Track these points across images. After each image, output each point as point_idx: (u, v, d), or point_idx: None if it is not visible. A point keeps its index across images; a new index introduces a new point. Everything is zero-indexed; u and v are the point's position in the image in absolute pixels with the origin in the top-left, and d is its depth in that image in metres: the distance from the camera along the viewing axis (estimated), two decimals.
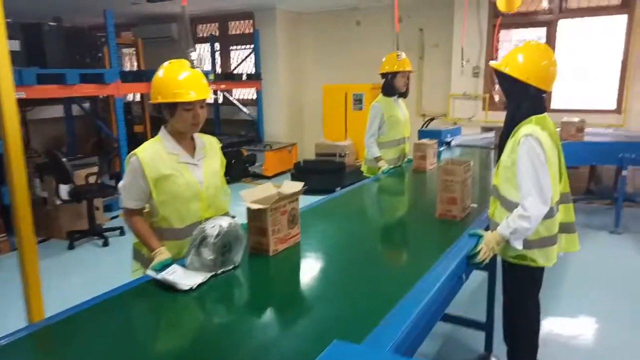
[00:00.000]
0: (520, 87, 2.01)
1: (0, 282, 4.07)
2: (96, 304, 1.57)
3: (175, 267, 1.74)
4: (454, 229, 2.20)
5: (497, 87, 2.10)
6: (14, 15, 5.36)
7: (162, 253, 1.89)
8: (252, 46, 8.25)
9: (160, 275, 1.67)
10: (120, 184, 1.97)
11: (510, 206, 2.02)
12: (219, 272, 1.74)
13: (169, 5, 7.38)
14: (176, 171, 1.92)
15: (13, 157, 2.04)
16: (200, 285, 1.66)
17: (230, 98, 8.70)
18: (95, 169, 5.22)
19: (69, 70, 5.09)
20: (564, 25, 6.30)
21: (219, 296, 1.67)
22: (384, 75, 3.75)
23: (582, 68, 6.25)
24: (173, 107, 1.86)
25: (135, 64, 8.92)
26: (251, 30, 8.34)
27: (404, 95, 3.82)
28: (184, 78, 1.86)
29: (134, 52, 8.79)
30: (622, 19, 5.93)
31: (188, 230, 1.90)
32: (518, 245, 1.97)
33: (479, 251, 1.96)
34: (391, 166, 3.64)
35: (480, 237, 2.02)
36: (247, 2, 7.52)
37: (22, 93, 4.72)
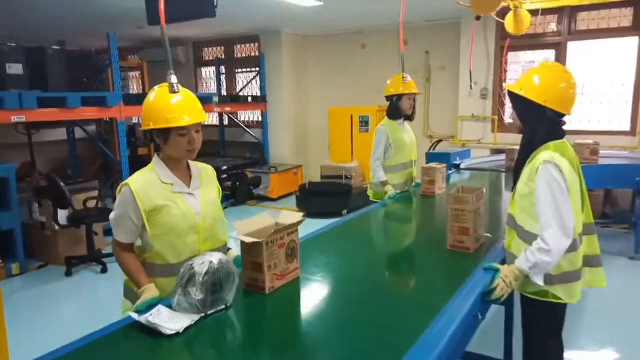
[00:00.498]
0: (537, 111, 1.87)
1: None
2: (71, 352, 1.41)
3: (160, 308, 1.59)
4: (467, 261, 2.03)
5: (510, 110, 1.95)
6: (19, 39, 5.35)
7: (149, 290, 1.73)
8: (258, 69, 8.22)
9: (142, 318, 1.51)
10: (111, 215, 1.82)
11: (528, 237, 1.85)
12: (209, 312, 1.58)
13: (173, 29, 7.40)
14: (170, 201, 1.78)
15: None
16: (187, 328, 1.50)
17: (236, 120, 8.64)
18: (94, 193, 5.10)
19: (70, 94, 5.03)
20: (574, 47, 6.18)
21: (209, 340, 1.51)
22: (389, 97, 3.63)
23: (592, 89, 6.11)
24: (166, 132, 1.73)
25: (141, 86, 8.91)
26: (256, 53, 8.33)
27: (409, 118, 3.69)
28: (176, 102, 1.73)
29: (140, 75, 8.78)
30: (633, 41, 5.80)
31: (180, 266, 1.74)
32: (538, 280, 1.80)
33: (496, 287, 1.79)
34: (398, 191, 3.49)
35: (496, 271, 1.85)
36: (253, 25, 7.51)
37: (22, 116, 4.66)
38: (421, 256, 2.27)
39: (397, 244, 2.62)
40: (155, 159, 1.85)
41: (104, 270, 4.73)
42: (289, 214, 1.92)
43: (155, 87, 1.80)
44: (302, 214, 1.90)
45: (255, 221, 1.88)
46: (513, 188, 1.99)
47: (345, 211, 6.46)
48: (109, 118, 6.45)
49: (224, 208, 7.01)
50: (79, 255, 4.91)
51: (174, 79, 1.78)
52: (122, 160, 5.60)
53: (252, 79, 8.53)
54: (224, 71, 8.92)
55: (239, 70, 8.92)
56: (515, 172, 2.00)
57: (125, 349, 1.45)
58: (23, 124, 7.12)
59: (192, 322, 1.53)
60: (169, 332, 1.46)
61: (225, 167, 7.50)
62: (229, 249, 2.03)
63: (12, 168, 4.59)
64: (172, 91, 1.75)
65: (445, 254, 2.16)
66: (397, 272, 2.15)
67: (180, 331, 1.47)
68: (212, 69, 8.99)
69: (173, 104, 1.72)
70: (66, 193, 4.53)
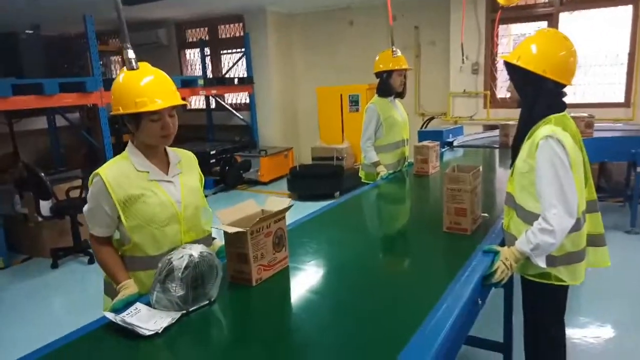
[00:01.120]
0: (536, 82, 1.75)
1: None
2: (41, 357, 1.29)
3: (138, 306, 1.47)
4: (465, 244, 1.93)
5: (507, 83, 1.83)
6: None
7: (128, 287, 1.62)
8: (243, 50, 7.99)
9: (118, 318, 1.39)
10: (85, 208, 1.69)
11: (528, 218, 1.75)
12: (191, 309, 1.47)
13: (155, 10, 7.14)
14: (147, 190, 1.65)
15: None
16: (168, 328, 1.39)
17: (223, 103, 8.43)
18: (78, 183, 4.94)
19: (47, 80, 4.83)
20: (566, 18, 6.03)
21: (192, 339, 1.40)
22: (378, 74, 3.48)
23: (586, 61, 5.98)
24: (137, 118, 1.59)
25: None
26: (241, 33, 8.09)
27: (400, 95, 3.56)
28: (146, 83, 1.59)
29: (122, 59, 8.50)
30: (627, 10, 5.66)
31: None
32: (541, 262, 1.70)
33: (496, 270, 1.70)
34: (390, 171, 3.38)
35: (496, 253, 1.75)
36: (236, 4, 7.26)
37: None
38: (417, 240, 2.17)
39: (391, 227, 2.52)
40: (129, 146, 1.71)
41: (91, 261, 4.60)
42: (276, 200, 1.80)
43: (125, 68, 1.65)
44: (290, 200, 1.78)
45: (239, 209, 1.76)
46: (512, 165, 1.88)
47: (337, 193, 6.35)
48: (91, 104, 6.23)
49: (214, 193, 7.03)
50: (64, 246, 4.78)
51: (130, 54, 1.63)
52: (105, 148, 5.43)
53: (238, 61, 8.30)
54: (208, 53, 8.67)
55: (225, 51, 8.68)
56: (513, 148, 1.89)
57: (100, 353, 1.34)
58: (2, 113, 6.89)
59: (173, 321, 1.41)
60: (147, 333, 1.35)
61: (214, 152, 7.35)
62: (213, 239, 1.91)
63: None
64: (130, 68, 1.61)
65: (441, 236, 2.05)
66: (392, 258, 2.04)
67: (160, 332, 1.36)
68: (197, 51, 8.74)
69: (143, 86, 1.57)
70: (47, 184, 4.37)
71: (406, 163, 3.59)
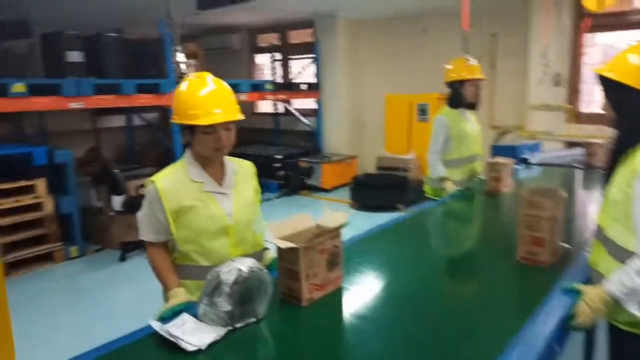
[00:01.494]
0: (636, 99, 1.52)
1: (51, 293, 4.04)
2: None
3: (185, 318, 1.42)
4: (541, 278, 1.72)
5: (594, 97, 1.61)
6: (78, 28, 5.44)
7: (177, 296, 1.59)
8: (313, 55, 8.01)
9: (164, 329, 1.35)
10: (139, 214, 1.69)
11: (621, 254, 1.52)
12: (237, 326, 1.40)
13: (229, 16, 7.34)
14: (200, 202, 1.64)
15: None
16: (212, 344, 1.32)
17: (290, 108, 8.49)
18: None
19: (125, 81, 5.08)
20: None
21: (237, 358, 1.33)
22: (450, 84, 3.29)
23: None
24: (191, 128, 1.59)
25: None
26: (312, 40, 8.11)
27: (473, 106, 3.34)
28: (204, 95, 1.57)
29: (196, 63, 8.83)
30: None
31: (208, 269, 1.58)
32: (634, 309, 1.46)
33: (579, 313, 1.48)
34: (459, 188, 3.17)
35: (578, 293, 1.53)
36: (308, 10, 7.28)
37: (80, 103, 4.74)
38: (486, 268, 1.97)
39: (457, 251, 2.32)
40: (186, 153, 1.70)
41: None
42: (332, 215, 1.69)
43: (191, 75, 1.64)
44: (347, 215, 1.67)
45: (293, 222, 1.67)
46: (604, 192, 1.64)
47: (401, 205, 6.15)
48: (165, 105, 6.50)
49: (277, 197, 7.05)
50: (133, 241, 4.97)
51: (180, 57, 1.60)
52: (175, 149, 5.61)
53: (307, 66, 8.34)
54: (278, 58, 8.79)
55: (294, 57, 8.75)
56: (606, 173, 1.65)
57: None
58: (88, 111, 7.36)
59: (218, 337, 1.35)
60: (190, 348, 1.29)
61: (278, 156, 7.40)
62: (265, 249, 1.85)
63: (69, 155, 4.68)
64: (178, 72, 1.59)
65: (514, 266, 1.85)
66: (456, 287, 1.86)
67: (203, 348, 1.30)
68: (268, 56, 8.88)
69: (201, 98, 1.56)
70: (120, 180, 4.57)
71: (477, 179, 3.36)
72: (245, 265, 1.41)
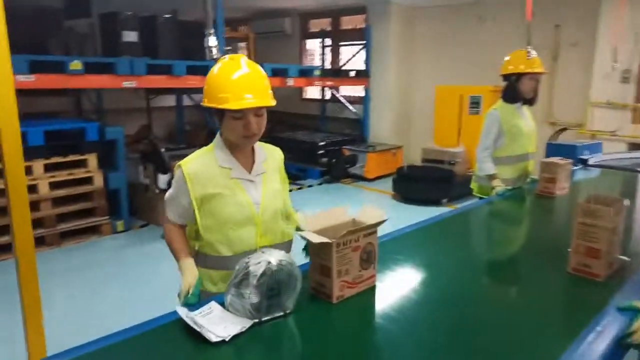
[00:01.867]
0: None
1: (97, 263, 4.20)
2: (100, 349, 1.27)
3: (212, 306, 1.40)
4: (595, 293, 1.58)
5: None
6: (135, 8, 5.57)
7: (187, 268, 1.59)
8: (363, 42, 7.86)
9: (190, 316, 1.34)
10: (167, 194, 1.68)
11: None
12: (264, 319, 1.37)
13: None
14: (227, 189, 1.58)
15: (9, 155, 1.67)
16: (237, 336, 1.29)
17: (337, 95, 8.40)
18: None
19: (176, 62, 5.16)
20: None
21: (261, 351, 1.30)
22: (506, 77, 3.10)
23: None
24: (221, 112, 1.52)
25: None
26: (363, 25, 7.95)
27: (530, 102, 3.14)
28: (236, 78, 1.49)
29: (247, 46, 8.88)
30: None
31: (239, 260, 1.55)
32: None
33: (636, 331, 1.34)
34: (508, 187, 3.00)
35: (637, 312, 1.39)
36: None
37: (132, 82, 4.86)
38: (533, 277, 1.83)
39: (502, 255, 2.18)
40: (217, 138, 1.64)
41: None
42: (370, 211, 1.62)
43: (225, 57, 1.57)
44: (384, 213, 1.58)
45: (328, 215, 1.61)
46: None
47: (445, 200, 5.97)
48: None
49: (319, 184, 7.02)
50: None
51: (212, 41, 1.54)
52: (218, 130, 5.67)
53: (357, 53, 8.19)
54: (329, 44, 8.69)
55: (344, 43, 8.62)
56: None
57: (163, 350, 1.28)
58: (142, 90, 7.57)
59: (243, 329, 1.32)
60: (214, 338, 1.26)
61: (322, 143, 7.36)
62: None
63: (120, 131, 4.82)
64: (210, 57, 1.54)
65: (564, 277, 1.71)
66: (499, 294, 1.73)
67: (227, 339, 1.27)
68: (318, 41, 8.80)
69: (232, 81, 1.49)
70: (165, 159, 4.67)
71: (528, 179, 3.17)
72: (275, 257, 1.37)
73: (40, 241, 4.28)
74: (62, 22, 5.98)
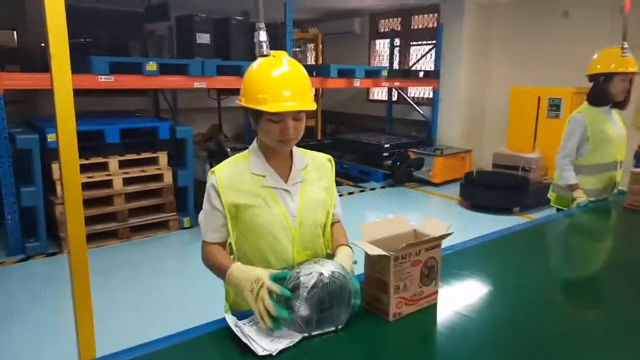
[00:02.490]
0: None
1: (164, 257, 4.36)
2: (153, 352, 1.25)
3: None
4: None
5: None
6: (208, 11, 5.74)
7: (241, 270, 1.37)
8: (434, 42, 7.60)
9: (239, 325, 1.29)
10: (200, 214, 1.56)
11: None
12: (314, 334, 1.29)
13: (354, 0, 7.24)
14: (258, 199, 1.46)
15: (65, 153, 1.64)
16: (284, 350, 1.23)
17: (405, 96, 8.19)
18: None
19: (245, 62, 5.23)
20: None
21: None
22: (593, 77, 2.82)
23: None
24: (257, 114, 1.40)
25: (314, 59, 9.05)
26: (435, 25, 7.68)
27: (620, 105, 2.83)
28: (276, 78, 1.38)
29: (314, 47, 8.91)
30: None
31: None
32: None
33: None
34: (591, 199, 2.72)
35: None
36: None
37: (202, 83, 5.00)
38: (617, 302, 1.62)
39: (582, 275, 1.95)
40: (253, 143, 1.54)
41: None
42: (434, 224, 1.49)
43: (265, 54, 1.47)
44: (449, 225, 1.45)
45: (387, 225, 1.50)
46: None
47: (517, 209, 5.61)
48: None
49: (382, 187, 6.87)
50: None
51: (262, 36, 1.46)
52: None
53: (427, 53, 7.94)
54: (398, 44, 8.50)
55: (414, 43, 8.39)
56: None
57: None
58: (214, 90, 7.83)
59: (291, 344, 1.25)
60: (260, 352, 1.21)
61: (387, 145, 7.20)
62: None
63: (189, 130, 4.97)
64: (260, 54, 1.46)
65: None
66: (579, 319, 1.54)
67: (274, 354, 1.21)
68: (387, 41, 8.64)
69: (272, 80, 1.37)
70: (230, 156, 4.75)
71: (615, 191, 2.86)
72: (327, 268, 1.29)
73: (112, 234, 4.52)
74: (143, 26, 6.31)
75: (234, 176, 1.47)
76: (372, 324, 1.38)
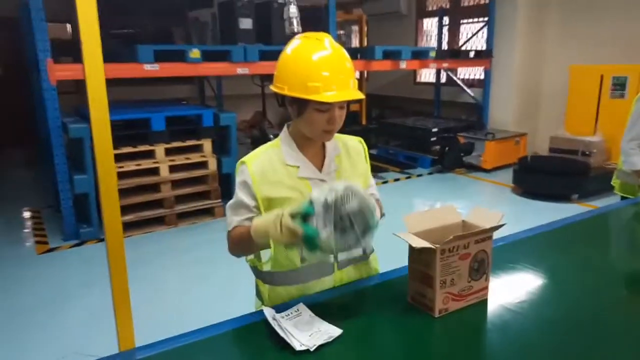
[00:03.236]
0: None
1: (210, 242, 4.42)
2: (191, 343, 1.22)
3: (300, 308, 1.29)
4: None
5: None
6: None
7: (262, 217, 1.29)
8: (486, 19, 7.21)
9: (277, 318, 1.24)
10: (229, 204, 1.46)
11: None
12: (341, 258, 1.24)
13: None
14: (294, 192, 1.38)
15: (99, 141, 1.58)
16: (323, 345, 1.16)
17: (454, 78, 7.86)
18: None
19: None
20: None
21: None
22: None
23: None
24: (303, 103, 1.31)
25: (359, 41, 8.84)
26: (487, 1, 7.29)
27: None
28: (324, 65, 1.28)
29: (359, 29, 8.71)
30: None
31: (312, 270, 1.41)
32: None
33: None
34: None
35: None
36: None
37: (245, 69, 4.98)
38: None
39: None
40: (284, 131, 1.45)
41: None
42: (485, 214, 1.37)
43: (299, 36, 1.36)
44: (502, 215, 1.33)
45: (434, 215, 1.39)
46: None
47: (576, 196, 5.27)
48: None
49: (429, 174, 6.66)
50: None
51: (293, 10, 1.35)
52: None
53: (478, 31, 7.56)
54: (447, 23, 8.15)
55: (465, 21, 8.01)
56: None
57: (243, 355, 1.20)
58: (258, 77, 7.84)
59: (330, 339, 1.18)
60: (298, 347, 1.15)
61: (435, 130, 6.95)
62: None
63: (233, 117, 4.97)
64: (291, 31, 1.35)
65: None
66: None
67: (312, 349, 1.15)
68: (435, 20, 8.30)
69: (321, 66, 1.27)
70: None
71: None
72: (341, 184, 1.18)
73: (159, 221, 4.62)
74: (186, 13, 6.35)
75: (267, 168, 1.39)
76: (417, 320, 1.29)
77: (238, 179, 1.42)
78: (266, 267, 1.48)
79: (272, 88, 1.37)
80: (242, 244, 1.39)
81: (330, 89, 1.27)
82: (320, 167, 1.43)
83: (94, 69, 1.44)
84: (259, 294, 1.57)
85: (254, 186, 1.38)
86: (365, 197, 1.19)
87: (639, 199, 2.44)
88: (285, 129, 1.46)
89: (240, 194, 1.41)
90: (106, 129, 1.51)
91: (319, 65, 1.28)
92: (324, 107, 1.30)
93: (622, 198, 2.77)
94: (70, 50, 4.16)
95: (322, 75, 1.27)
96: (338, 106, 1.32)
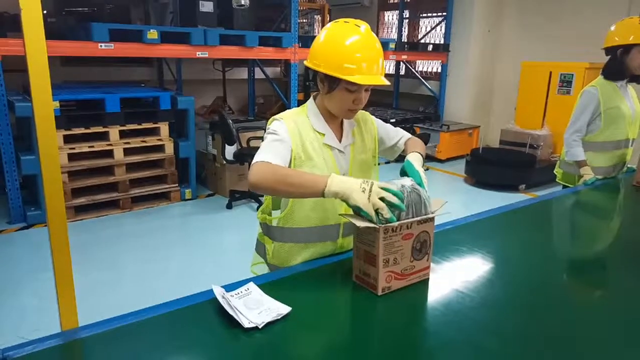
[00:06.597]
0: None
1: (165, 228, 4.36)
2: (138, 322, 1.22)
3: (250, 287, 1.32)
4: None
5: None
6: None
7: (334, 180, 1.31)
8: (444, 14, 7.38)
9: (226, 297, 1.25)
10: (263, 145, 1.46)
11: None
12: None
13: None
14: (320, 156, 1.52)
15: (42, 126, 1.55)
16: (271, 323, 1.19)
17: (413, 70, 8.01)
18: (260, 133, 5.21)
19: (249, 33, 5.12)
20: None
21: (295, 342, 1.19)
22: (610, 50, 2.69)
23: None
24: (334, 81, 1.44)
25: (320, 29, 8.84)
26: None
27: (638, 79, 2.71)
28: (365, 50, 1.41)
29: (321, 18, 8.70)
30: None
31: (322, 231, 1.56)
32: None
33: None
34: (599, 176, 2.64)
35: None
36: None
37: (205, 52, 4.89)
38: (624, 284, 1.55)
39: (587, 255, 1.87)
40: (310, 102, 1.58)
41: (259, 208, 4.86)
42: (434, 201, 1.43)
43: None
44: (445, 201, 1.41)
45: None
46: None
47: (523, 186, 5.53)
48: (284, 59, 6.51)
49: (386, 163, 6.77)
50: (241, 190, 5.15)
51: None
52: (291, 103, 5.61)
53: (437, 26, 7.72)
54: (407, 16, 8.27)
55: (424, 15, 8.16)
56: None
57: (190, 334, 1.21)
58: (219, 61, 7.70)
59: (279, 317, 1.21)
60: (247, 324, 1.17)
61: (393, 120, 7.07)
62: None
63: (191, 101, 4.89)
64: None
65: None
66: (583, 301, 1.47)
67: (260, 327, 1.17)
68: (396, 13, 8.41)
69: (360, 50, 1.40)
70: (233, 130, 4.68)
71: (624, 169, 2.77)
72: (407, 180, 1.37)
73: (114, 204, 4.51)
74: None
75: (300, 127, 1.51)
76: (360, 297, 1.34)
77: (273, 134, 1.47)
78: (275, 223, 1.60)
79: (307, 64, 1.49)
80: (282, 181, 1.34)
81: (362, 73, 1.39)
82: (339, 138, 1.58)
83: (35, 43, 1.39)
84: (260, 251, 1.69)
85: (292, 139, 1.48)
86: (424, 192, 1.36)
87: (579, 188, 2.60)
88: (312, 100, 1.59)
89: (274, 144, 1.45)
90: (48, 107, 1.46)
91: (356, 49, 1.40)
92: (354, 88, 1.43)
93: (564, 187, 2.93)
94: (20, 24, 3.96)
95: (358, 59, 1.39)
96: (365, 89, 1.46)
